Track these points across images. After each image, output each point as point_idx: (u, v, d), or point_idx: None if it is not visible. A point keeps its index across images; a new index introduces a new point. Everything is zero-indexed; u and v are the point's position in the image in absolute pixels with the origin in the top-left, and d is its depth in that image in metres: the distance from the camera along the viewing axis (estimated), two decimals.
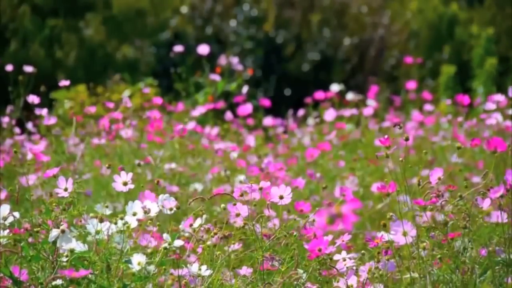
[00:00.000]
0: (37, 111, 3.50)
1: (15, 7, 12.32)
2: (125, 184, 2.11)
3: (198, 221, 2.19)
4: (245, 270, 2.13)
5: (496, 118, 4.06)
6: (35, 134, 4.35)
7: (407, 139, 2.01)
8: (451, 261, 1.97)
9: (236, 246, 2.24)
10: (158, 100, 4.63)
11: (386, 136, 1.98)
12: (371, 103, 5.74)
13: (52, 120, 3.51)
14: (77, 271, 1.84)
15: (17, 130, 4.17)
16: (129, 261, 1.98)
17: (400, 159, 1.96)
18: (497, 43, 12.49)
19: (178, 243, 2.05)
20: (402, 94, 6.50)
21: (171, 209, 2.12)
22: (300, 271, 2.09)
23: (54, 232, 1.97)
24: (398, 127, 2.02)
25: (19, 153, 3.55)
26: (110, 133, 4.02)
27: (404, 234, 1.94)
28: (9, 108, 4.18)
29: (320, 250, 2.02)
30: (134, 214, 2.03)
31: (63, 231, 1.97)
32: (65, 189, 2.09)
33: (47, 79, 3.56)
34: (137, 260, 1.98)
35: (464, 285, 1.96)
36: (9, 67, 3.93)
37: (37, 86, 3.87)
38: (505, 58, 12.09)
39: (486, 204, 1.96)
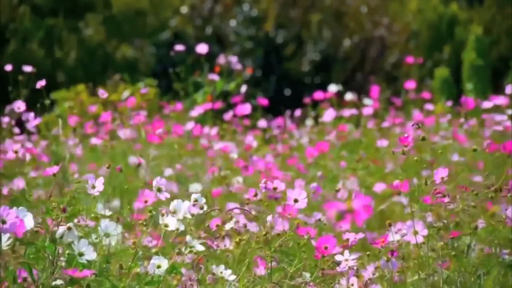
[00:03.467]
0: (24, 116, 3.48)
1: (15, 7, 12.31)
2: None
3: (229, 225, 2.19)
4: (260, 270, 2.11)
5: (501, 121, 4.05)
6: (35, 134, 4.34)
7: (423, 139, 2.01)
8: (456, 261, 1.96)
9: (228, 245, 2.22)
10: (132, 100, 4.59)
11: (406, 135, 1.96)
12: (368, 102, 5.72)
13: (37, 121, 3.49)
14: (80, 271, 1.83)
15: (16, 130, 4.16)
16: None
17: (415, 158, 1.94)
18: (497, 43, 12.48)
19: (199, 247, 2.03)
20: (402, 94, 6.49)
21: (201, 208, 2.09)
22: (307, 274, 2.07)
23: (61, 229, 1.95)
24: (417, 126, 2.00)
25: (18, 153, 3.54)
26: (107, 133, 4.01)
27: (415, 233, 1.93)
28: (8, 108, 4.17)
29: (326, 248, 2.00)
30: (174, 212, 2.02)
31: (69, 228, 1.95)
32: (93, 186, 2.08)
33: (47, 79, 3.54)
34: (157, 263, 1.95)
35: (467, 286, 1.95)
36: (8, 67, 3.91)
37: (36, 86, 3.85)
38: (506, 58, 12.08)
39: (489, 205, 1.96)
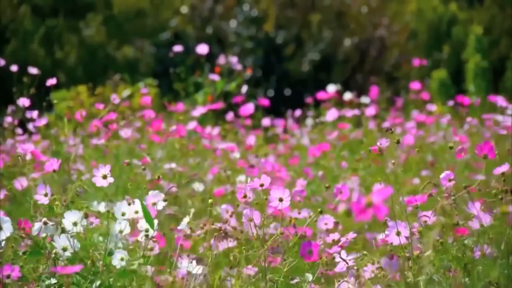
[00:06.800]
0: (28, 114, 3.52)
1: (16, 8, 12.32)
2: (104, 177, 2.10)
3: (187, 219, 2.19)
4: (250, 269, 2.12)
5: (499, 121, 4.05)
6: (36, 134, 4.35)
7: (398, 142, 2.05)
8: (455, 261, 1.96)
9: (231, 243, 2.23)
10: (147, 99, 4.62)
11: (378, 144, 1.99)
12: (366, 100, 5.73)
13: (43, 121, 3.53)
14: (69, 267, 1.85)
15: (19, 130, 4.17)
16: (111, 253, 2.00)
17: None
18: (498, 43, 12.48)
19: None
20: (402, 94, 6.50)
21: (154, 204, 2.11)
22: (309, 275, 2.08)
23: (37, 225, 2.00)
24: (390, 131, 2.06)
25: (18, 153, 3.55)
26: (106, 133, 4.02)
27: (398, 234, 1.95)
28: (10, 108, 4.18)
29: (310, 252, 2.01)
30: (123, 214, 2.06)
31: (45, 223, 1.99)
32: (45, 194, 2.07)
33: (47, 79, 3.56)
34: (120, 256, 2.01)
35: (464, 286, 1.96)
36: (14, 68, 3.95)
37: (37, 86, 3.87)
38: (506, 58, 12.09)
39: (477, 207, 1.95)
